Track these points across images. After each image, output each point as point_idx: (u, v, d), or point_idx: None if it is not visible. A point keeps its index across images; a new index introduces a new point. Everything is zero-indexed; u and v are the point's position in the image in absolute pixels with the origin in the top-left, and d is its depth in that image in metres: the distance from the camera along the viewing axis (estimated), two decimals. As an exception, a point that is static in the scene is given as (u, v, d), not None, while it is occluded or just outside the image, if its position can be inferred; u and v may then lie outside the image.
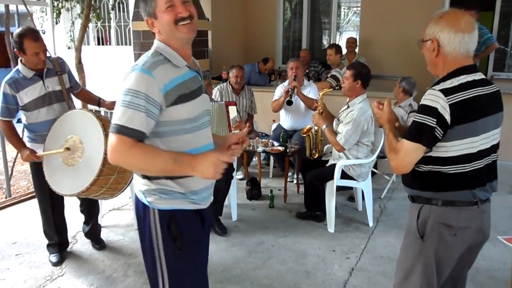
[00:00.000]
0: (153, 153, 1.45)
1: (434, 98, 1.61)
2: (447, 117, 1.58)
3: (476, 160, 1.66)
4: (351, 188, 4.02)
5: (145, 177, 1.59)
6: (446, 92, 1.60)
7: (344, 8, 8.80)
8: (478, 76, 1.68)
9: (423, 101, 1.66)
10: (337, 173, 3.56)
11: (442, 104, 1.58)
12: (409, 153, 1.67)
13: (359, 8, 7.60)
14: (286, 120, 4.83)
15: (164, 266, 1.62)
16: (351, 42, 6.44)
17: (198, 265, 1.72)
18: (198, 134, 1.60)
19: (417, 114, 1.65)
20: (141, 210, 1.64)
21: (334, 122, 3.77)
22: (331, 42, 7.31)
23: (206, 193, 1.68)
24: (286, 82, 4.73)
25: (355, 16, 8.48)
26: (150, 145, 1.50)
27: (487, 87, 1.68)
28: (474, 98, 1.62)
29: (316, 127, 3.99)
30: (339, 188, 3.69)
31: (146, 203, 1.60)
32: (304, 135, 4.04)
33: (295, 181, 4.68)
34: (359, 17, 7.43)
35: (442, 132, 1.61)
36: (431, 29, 1.69)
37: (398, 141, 1.76)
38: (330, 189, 3.63)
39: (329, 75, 5.67)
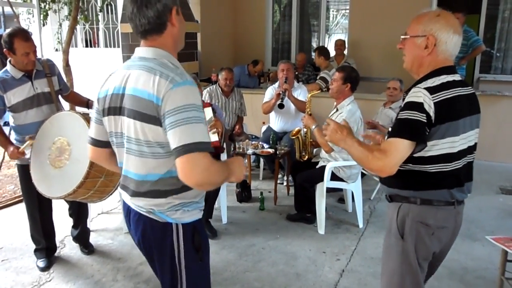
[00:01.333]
0: (221, 167, 1.45)
1: (420, 95, 1.61)
2: (432, 115, 1.58)
3: (456, 160, 1.68)
4: (341, 189, 4.04)
5: (163, 195, 1.51)
6: (431, 90, 1.60)
7: (333, 11, 8.86)
8: (457, 77, 1.70)
9: (409, 99, 1.64)
10: (327, 175, 3.57)
11: (428, 102, 1.58)
12: (400, 151, 1.60)
13: (347, 11, 7.66)
14: (276, 122, 4.83)
15: (184, 281, 1.58)
16: (339, 45, 6.50)
17: (209, 272, 1.72)
18: None
19: (405, 111, 1.62)
20: (159, 230, 1.55)
21: (323, 125, 3.77)
22: (320, 45, 7.36)
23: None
24: (277, 83, 4.74)
25: (344, 19, 8.54)
26: None
27: (465, 88, 1.70)
28: (455, 98, 1.63)
29: (305, 129, 4.00)
30: (329, 190, 3.70)
31: (170, 220, 1.54)
32: (293, 137, 4.04)
33: (285, 183, 4.68)
34: (347, 20, 7.49)
35: (428, 130, 1.60)
36: (427, 26, 1.67)
37: (370, 144, 1.76)
38: (320, 191, 3.64)
39: (318, 77, 5.70)
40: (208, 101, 4.53)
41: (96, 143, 1.66)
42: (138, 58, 1.51)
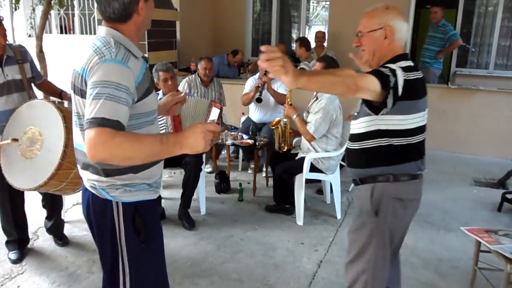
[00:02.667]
0: (137, 138, 1.36)
1: (394, 67, 1.72)
2: (400, 88, 1.67)
3: (417, 134, 1.83)
4: (319, 181, 4.05)
5: (107, 174, 1.51)
6: (402, 69, 1.72)
7: (313, 2, 8.86)
8: (411, 63, 1.83)
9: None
10: (306, 166, 3.57)
11: (399, 74, 1.68)
12: (370, 81, 1.62)
13: (327, 3, 7.65)
14: (255, 113, 4.80)
15: (126, 262, 1.57)
16: (320, 37, 6.49)
17: (160, 260, 1.70)
18: (156, 123, 1.64)
19: (379, 68, 1.72)
20: (99, 204, 1.56)
21: (304, 114, 3.78)
22: (300, 36, 7.34)
23: (160, 180, 1.72)
24: (257, 75, 4.70)
25: (324, 10, 8.55)
26: (130, 132, 1.44)
27: (419, 72, 1.82)
28: (416, 80, 1.76)
29: (285, 120, 3.99)
30: (308, 181, 3.71)
31: (108, 197, 1.54)
32: (273, 127, 4.03)
33: (264, 174, 4.66)
34: (327, 12, 7.49)
35: (393, 100, 1.66)
36: (381, 19, 1.81)
37: None
38: (299, 182, 3.65)
39: (298, 68, 5.69)
40: (187, 92, 4.46)
41: None
42: (95, 37, 1.53)
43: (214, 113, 3.52)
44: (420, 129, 1.84)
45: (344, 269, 2.04)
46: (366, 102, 1.75)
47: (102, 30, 1.52)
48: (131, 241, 1.56)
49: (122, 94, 1.37)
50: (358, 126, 1.90)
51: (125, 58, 1.43)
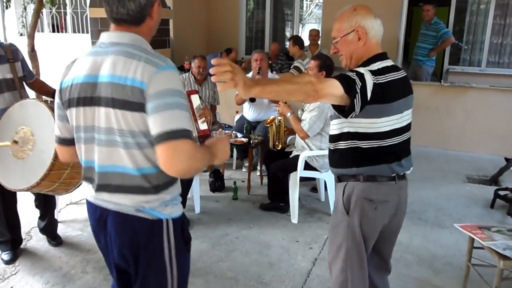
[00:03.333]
0: (204, 152, 1.39)
1: (362, 70, 1.69)
2: (369, 92, 1.65)
3: (391, 137, 1.78)
4: (313, 179, 4.06)
5: (157, 191, 1.42)
6: (372, 72, 1.70)
7: (306, 0, 8.85)
8: (390, 62, 1.81)
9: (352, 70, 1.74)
10: (300, 164, 3.57)
11: (368, 78, 1.66)
12: (331, 85, 1.62)
13: (321, 1, 7.66)
14: (249, 112, 4.80)
15: (176, 274, 1.51)
16: (314, 35, 6.50)
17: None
18: None
19: (346, 73, 1.70)
20: (148, 228, 1.44)
21: (299, 112, 3.79)
22: (294, 34, 7.34)
23: None
24: (250, 73, 4.70)
25: (317, 8, 8.55)
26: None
27: (398, 72, 1.80)
28: (390, 82, 1.73)
29: (279, 118, 3.99)
30: (302, 179, 3.72)
31: (161, 217, 1.45)
32: (268, 125, 4.03)
33: (258, 173, 4.66)
34: (321, 10, 7.50)
35: (360, 104, 1.65)
36: (351, 21, 1.79)
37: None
38: (294, 180, 3.65)
39: (291, 67, 5.69)
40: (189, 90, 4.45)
41: (64, 142, 1.56)
42: (110, 43, 1.39)
43: (195, 100, 3.58)
44: (396, 132, 1.79)
45: (329, 269, 2.03)
46: (334, 105, 1.73)
47: (121, 36, 1.40)
48: (180, 254, 1.52)
49: (185, 102, 1.34)
50: (333, 127, 1.91)
51: (171, 62, 1.38)
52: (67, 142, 1.55)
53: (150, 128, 1.30)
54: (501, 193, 3.99)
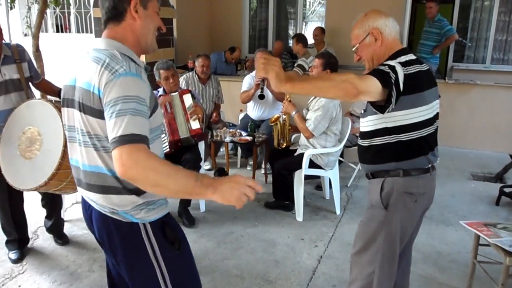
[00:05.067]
0: (173, 167, 1.25)
1: (393, 63, 1.75)
2: (401, 83, 1.69)
3: (426, 127, 1.84)
4: (318, 177, 4.06)
5: (130, 192, 1.42)
6: (401, 64, 1.75)
7: (309, -2, 8.83)
8: (413, 56, 1.86)
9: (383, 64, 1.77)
10: (305, 162, 3.58)
11: (399, 70, 1.71)
12: (370, 83, 1.66)
13: (324, -1, 7.64)
14: (253, 110, 4.81)
15: (166, 273, 1.51)
16: (319, 34, 6.43)
17: (192, 259, 1.69)
18: (160, 138, 1.59)
19: (378, 67, 1.75)
20: (125, 229, 1.47)
21: (304, 111, 3.79)
22: (297, 32, 7.33)
23: None
24: (254, 72, 4.70)
25: (320, 6, 8.54)
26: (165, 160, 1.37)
27: (422, 65, 1.85)
28: (419, 73, 1.79)
29: (284, 116, 4.00)
30: (307, 177, 3.72)
31: (134, 221, 1.46)
32: (272, 124, 4.04)
33: (262, 171, 4.66)
34: (324, 8, 7.48)
35: (395, 96, 1.69)
36: (363, 27, 1.88)
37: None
38: (298, 178, 3.65)
39: (295, 65, 5.68)
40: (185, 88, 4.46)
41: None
42: (93, 49, 1.45)
43: (187, 99, 3.64)
44: (428, 122, 1.84)
45: (350, 261, 2.07)
46: (371, 102, 1.78)
47: (102, 42, 1.45)
48: (167, 253, 1.52)
49: (144, 108, 1.31)
50: (366, 124, 1.93)
51: (138, 70, 1.37)
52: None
53: (108, 135, 1.31)
54: (506, 190, 3.99)
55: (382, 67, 1.72)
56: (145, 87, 1.37)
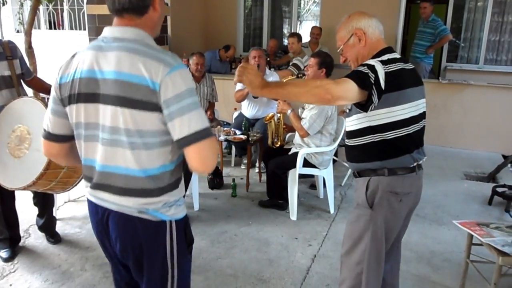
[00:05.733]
0: (216, 138, 1.44)
1: (372, 62, 1.75)
2: (382, 82, 1.70)
3: (408, 126, 1.83)
4: (312, 176, 4.06)
5: (162, 191, 1.40)
6: (382, 62, 1.76)
7: (304, -3, 8.81)
8: (397, 55, 1.87)
9: (362, 64, 1.78)
10: (299, 161, 3.57)
11: (379, 68, 1.72)
12: (346, 87, 1.67)
13: (319, -2, 7.62)
14: (248, 109, 4.79)
15: (176, 277, 1.50)
16: (316, 33, 6.40)
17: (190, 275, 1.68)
18: None
19: (357, 68, 1.76)
20: (151, 229, 1.42)
21: (299, 110, 3.78)
22: (292, 31, 7.32)
23: None
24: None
25: (315, 6, 8.52)
26: None
27: (407, 64, 1.86)
28: (401, 71, 1.80)
29: (279, 115, 3.99)
30: (301, 176, 3.72)
31: (164, 218, 1.43)
32: (267, 122, 4.03)
33: (257, 170, 4.66)
34: (319, 7, 7.48)
35: (377, 95, 1.70)
36: (347, 28, 1.90)
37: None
38: (293, 177, 3.65)
39: (290, 64, 5.67)
40: None
41: (54, 137, 1.48)
42: (113, 38, 1.34)
43: None
44: (413, 119, 1.84)
45: (340, 261, 2.07)
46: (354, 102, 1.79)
47: (124, 31, 1.34)
48: (181, 255, 1.51)
49: (198, 98, 1.34)
50: (351, 123, 1.94)
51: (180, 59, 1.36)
52: (59, 138, 1.48)
53: (172, 132, 1.29)
54: (499, 190, 4.01)
55: (361, 68, 1.73)
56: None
